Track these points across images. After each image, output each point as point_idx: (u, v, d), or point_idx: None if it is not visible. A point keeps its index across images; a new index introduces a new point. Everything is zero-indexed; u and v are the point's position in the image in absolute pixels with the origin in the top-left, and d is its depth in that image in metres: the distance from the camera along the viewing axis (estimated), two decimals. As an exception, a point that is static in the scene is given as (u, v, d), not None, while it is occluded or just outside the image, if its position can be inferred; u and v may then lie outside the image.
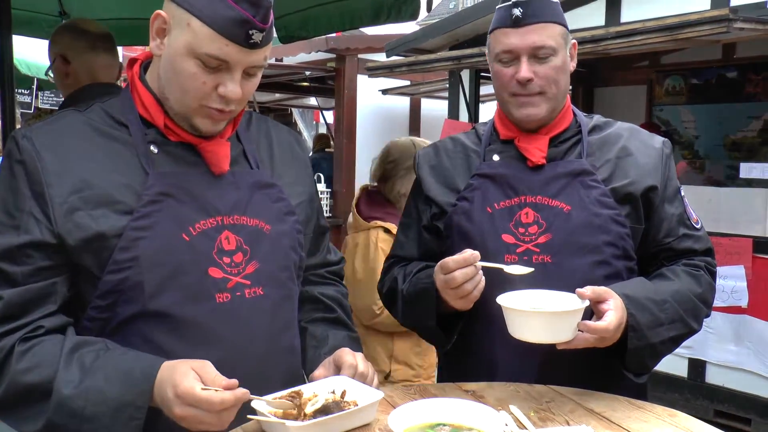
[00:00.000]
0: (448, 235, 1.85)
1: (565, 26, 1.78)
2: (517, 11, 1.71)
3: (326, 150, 9.32)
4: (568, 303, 1.55)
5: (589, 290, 1.55)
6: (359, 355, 1.51)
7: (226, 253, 1.41)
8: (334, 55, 7.82)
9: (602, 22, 5.57)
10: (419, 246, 1.93)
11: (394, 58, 6.79)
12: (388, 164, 2.94)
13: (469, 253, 1.59)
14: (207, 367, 1.24)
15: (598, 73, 7.53)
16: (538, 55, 1.72)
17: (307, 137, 12.67)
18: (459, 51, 5.83)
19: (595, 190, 1.75)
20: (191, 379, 1.21)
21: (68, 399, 1.24)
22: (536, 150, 1.79)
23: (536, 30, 1.71)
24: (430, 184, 1.90)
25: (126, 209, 1.34)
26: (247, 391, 1.23)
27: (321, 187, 7.63)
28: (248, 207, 1.47)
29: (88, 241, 1.31)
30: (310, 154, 9.04)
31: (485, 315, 1.71)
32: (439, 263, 1.65)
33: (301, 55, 7.63)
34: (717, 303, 3.20)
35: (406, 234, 1.97)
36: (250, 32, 1.31)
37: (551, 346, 1.53)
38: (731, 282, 4.41)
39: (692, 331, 1.74)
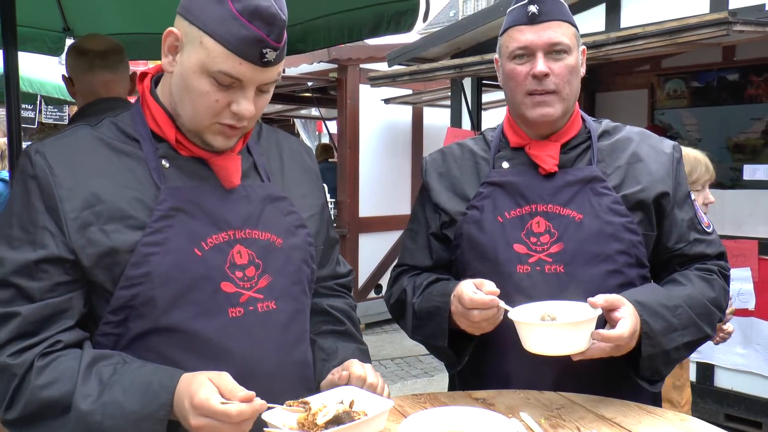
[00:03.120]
0: (458, 244, 1.83)
1: (577, 28, 1.78)
2: (533, 8, 1.71)
3: (330, 160, 9.33)
4: (581, 313, 1.54)
5: (601, 299, 1.54)
6: (368, 366, 1.51)
7: (239, 267, 1.41)
8: (336, 66, 7.84)
9: (602, 27, 5.57)
10: (430, 254, 1.91)
11: (395, 67, 6.80)
12: None
13: (489, 297, 1.56)
14: (224, 378, 1.23)
15: (600, 78, 7.54)
16: (554, 51, 1.71)
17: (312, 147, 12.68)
18: (460, 59, 5.84)
19: (607, 198, 1.74)
20: (207, 390, 1.20)
21: (87, 414, 1.23)
22: (548, 157, 1.77)
23: (552, 27, 1.71)
24: (439, 192, 1.88)
25: (138, 224, 1.34)
26: (265, 402, 1.22)
27: (325, 197, 7.61)
28: (260, 220, 1.46)
29: (100, 256, 1.32)
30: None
31: (498, 327, 1.70)
32: (458, 292, 1.62)
33: (303, 66, 7.65)
34: (724, 306, 3.22)
35: (415, 241, 1.95)
36: (264, 51, 1.31)
37: (566, 360, 1.52)
38: (738, 284, 4.40)
39: (706, 336, 1.73)
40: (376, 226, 7.99)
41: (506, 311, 1.56)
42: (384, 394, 1.47)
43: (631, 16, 5.43)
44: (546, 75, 1.70)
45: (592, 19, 5.66)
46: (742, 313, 4.42)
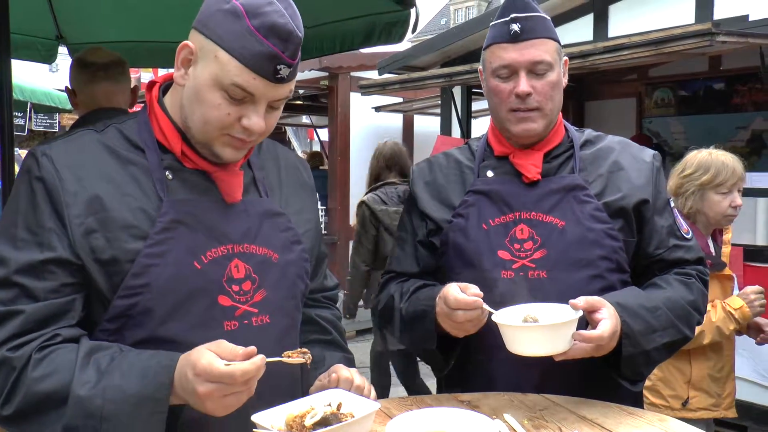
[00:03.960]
0: (444, 251, 1.87)
1: (559, 42, 1.81)
2: (515, 26, 1.72)
3: (320, 168, 9.36)
4: (562, 315, 1.58)
5: (581, 301, 1.59)
6: (354, 370, 1.54)
7: (236, 281, 1.42)
8: (327, 74, 7.89)
9: (590, 37, 5.64)
10: (417, 261, 1.94)
11: (386, 75, 6.86)
12: (682, 178, 2.85)
13: (473, 299, 1.59)
14: (222, 344, 1.24)
15: (588, 87, 7.61)
16: (536, 70, 1.74)
17: (301, 155, 12.72)
18: (450, 68, 5.90)
19: (589, 205, 1.78)
20: (209, 356, 1.21)
21: (85, 399, 1.23)
22: (531, 166, 1.81)
23: (534, 45, 1.73)
24: (426, 201, 1.92)
25: (140, 234, 1.35)
26: (264, 356, 1.24)
27: (316, 204, 7.64)
28: (258, 236, 1.48)
29: (102, 263, 1.33)
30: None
31: (482, 330, 1.74)
32: (443, 293, 1.66)
33: (294, 74, 7.70)
34: (709, 312, 3.25)
35: (402, 249, 1.98)
36: (278, 67, 1.32)
37: (549, 360, 1.56)
38: (724, 291, 4.45)
39: (685, 338, 1.77)
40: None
41: (490, 314, 1.60)
42: (371, 396, 1.50)
43: (618, 26, 5.51)
44: (529, 94, 1.74)
45: (581, 29, 5.74)
46: (727, 319, 4.47)
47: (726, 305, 2.71)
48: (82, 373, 1.26)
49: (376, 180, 4.65)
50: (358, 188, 8.06)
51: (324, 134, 9.29)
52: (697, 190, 2.77)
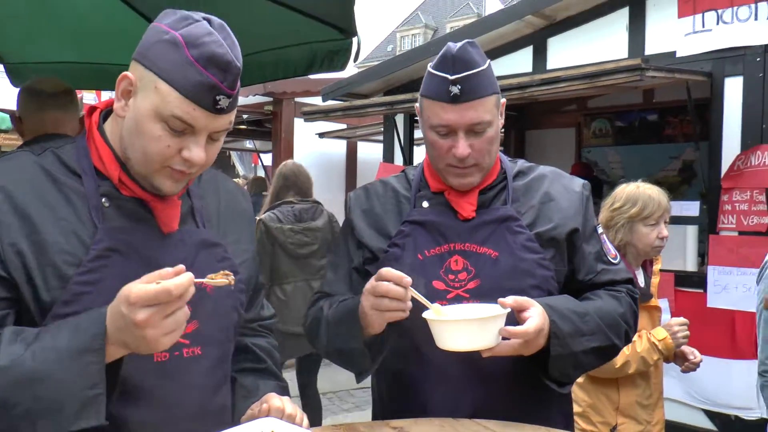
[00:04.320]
0: None
1: (498, 92, 1.81)
2: (455, 89, 1.70)
3: (263, 193, 9.30)
4: (489, 310, 1.63)
5: (510, 299, 1.63)
6: (286, 398, 1.54)
7: None
8: (271, 99, 7.89)
9: (530, 68, 5.80)
10: (350, 286, 1.95)
11: (329, 102, 6.90)
12: (612, 211, 2.92)
13: (399, 273, 1.59)
14: (144, 277, 1.21)
15: (530, 117, 7.80)
16: (475, 129, 1.75)
17: (241, 181, 12.65)
18: (393, 96, 5.98)
19: (521, 236, 1.81)
20: (139, 284, 1.18)
21: (14, 366, 1.19)
22: (467, 204, 1.84)
23: (474, 106, 1.72)
24: (362, 229, 1.93)
25: (73, 261, 1.33)
26: (191, 273, 1.22)
27: (259, 229, 7.58)
28: (193, 266, 1.43)
29: (32, 286, 1.30)
30: (248, 196, 8.97)
31: (419, 356, 1.76)
32: (367, 286, 1.65)
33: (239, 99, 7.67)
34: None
35: (336, 273, 1.99)
36: (218, 98, 1.32)
37: (483, 385, 1.61)
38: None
39: (614, 346, 1.82)
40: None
41: (422, 314, 1.62)
42: (303, 425, 1.51)
43: (556, 59, 5.67)
44: (467, 154, 1.76)
45: (521, 60, 5.89)
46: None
47: (651, 336, 2.79)
48: (8, 348, 1.21)
49: (276, 199, 4.76)
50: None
51: (268, 159, 9.27)
52: (626, 222, 2.84)
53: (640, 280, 2.93)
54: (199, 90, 1.30)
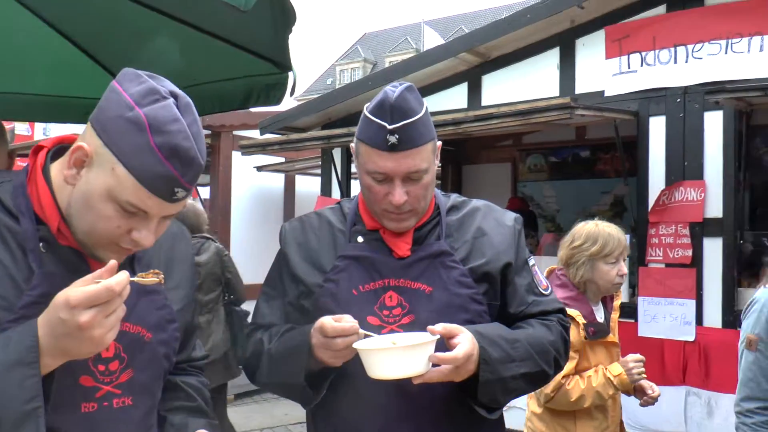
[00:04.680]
0: (315, 315, 1.84)
1: (435, 137, 1.82)
2: (393, 138, 1.70)
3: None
4: (418, 337, 1.64)
5: (439, 326, 1.64)
6: None
7: (102, 361, 1.37)
8: (209, 132, 7.82)
9: (465, 104, 5.91)
10: (284, 320, 1.93)
11: (267, 135, 6.89)
12: (572, 249, 2.95)
13: (349, 325, 1.62)
14: (78, 281, 1.19)
15: (467, 152, 7.91)
16: (411, 177, 1.76)
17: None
18: (330, 131, 6.01)
19: (455, 271, 1.82)
20: (76, 288, 1.16)
21: None
22: (402, 244, 1.85)
23: (411, 155, 1.72)
24: (297, 263, 1.92)
25: (5, 305, 1.28)
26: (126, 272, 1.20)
27: (195, 264, 7.45)
28: (132, 314, 1.42)
29: None
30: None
31: (352, 387, 1.75)
32: (318, 325, 1.66)
33: (175, 132, 7.57)
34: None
35: (270, 305, 1.97)
36: (176, 189, 1.29)
37: (421, 418, 1.60)
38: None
39: (544, 372, 1.83)
40: (247, 294, 7.90)
41: (353, 344, 1.62)
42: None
43: (490, 96, 5.80)
44: (404, 201, 1.77)
45: (457, 97, 6.00)
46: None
47: (607, 371, 2.83)
48: None
49: None
50: (238, 249, 7.96)
51: (206, 193, 9.16)
52: (587, 260, 2.90)
53: (600, 316, 2.98)
54: (157, 180, 1.26)
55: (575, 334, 2.78)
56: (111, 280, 1.17)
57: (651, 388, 2.96)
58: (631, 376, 2.82)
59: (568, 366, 2.81)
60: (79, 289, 1.16)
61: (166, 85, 1.32)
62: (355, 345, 1.61)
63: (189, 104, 1.33)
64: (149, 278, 1.31)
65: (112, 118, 1.28)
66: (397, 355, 1.58)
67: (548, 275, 3.11)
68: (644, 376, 2.87)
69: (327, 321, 1.65)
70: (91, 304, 1.15)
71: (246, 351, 1.95)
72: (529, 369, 1.77)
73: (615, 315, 3.07)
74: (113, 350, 1.38)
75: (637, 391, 2.98)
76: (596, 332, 2.85)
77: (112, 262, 1.19)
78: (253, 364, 1.91)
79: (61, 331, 1.17)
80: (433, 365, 1.62)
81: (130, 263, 1.49)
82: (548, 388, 2.79)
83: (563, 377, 2.79)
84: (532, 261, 2.00)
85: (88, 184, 1.29)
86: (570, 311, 2.83)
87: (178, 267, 1.62)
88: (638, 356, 2.89)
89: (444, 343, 1.65)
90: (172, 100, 1.30)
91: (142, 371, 1.44)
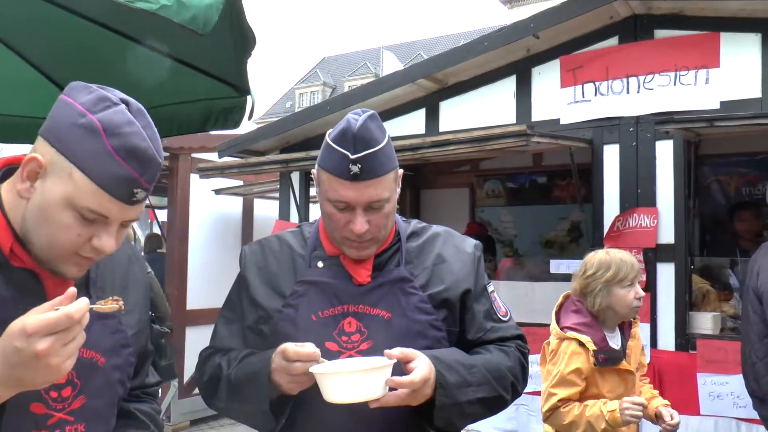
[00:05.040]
0: (273, 340, 1.84)
1: (397, 166, 1.83)
2: (355, 168, 1.70)
3: (158, 251, 9.05)
4: (374, 361, 1.64)
5: (396, 351, 1.65)
6: None
7: (55, 387, 1.34)
8: (167, 154, 7.74)
9: (423, 130, 5.96)
10: (243, 344, 1.92)
11: (225, 159, 6.85)
12: (586, 278, 2.96)
13: (311, 350, 1.62)
14: (33, 310, 1.16)
15: (425, 177, 7.97)
16: (373, 206, 1.76)
17: (141, 237, 12.27)
18: (288, 154, 6.00)
19: (414, 297, 1.84)
20: (32, 316, 1.13)
21: None
22: (362, 270, 1.85)
23: (373, 184, 1.73)
24: (257, 287, 1.91)
25: None
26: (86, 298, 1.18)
27: (150, 288, 7.34)
28: (87, 338, 1.37)
29: None
30: (142, 253, 8.70)
31: (309, 412, 1.75)
32: (280, 350, 1.66)
33: (132, 154, 7.48)
34: (536, 387, 3.42)
35: (229, 329, 1.95)
36: (135, 191, 1.29)
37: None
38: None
39: (501, 398, 1.84)
40: (205, 319, 7.78)
41: (309, 368, 1.62)
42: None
43: (448, 122, 5.86)
44: (365, 230, 1.78)
45: (415, 122, 6.05)
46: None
47: (602, 405, 2.81)
48: None
49: None
50: (196, 272, 7.86)
51: (164, 216, 9.04)
52: (603, 287, 2.94)
53: (616, 343, 2.99)
54: (116, 182, 1.26)
55: (584, 361, 2.82)
56: (71, 306, 1.14)
57: (670, 415, 2.96)
58: (623, 416, 2.77)
59: (570, 391, 2.84)
60: (37, 316, 1.13)
61: (117, 93, 1.32)
62: (311, 369, 1.61)
63: (141, 109, 1.33)
64: (109, 305, 1.29)
65: (65, 126, 1.27)
66: (354, 379, 1.58)
67: (564, 301, 3.16)
68: (638, 418, 2.80)
69: (290, 345, 1.65)
70: (49, 331, 1.12)
71: (204, 374, 1.92)
72: (486, 394, 1.79)
73: (632, 342, 3.08)
74: (66, 376, 1.35)
75: (658, 418, 2.98)
76: (607, 359, 2.87)
77: (72, 290, 1.17)
78: (211, 389, 1.88)
79: (16, 360, 1.13)
80: (390, 389, 1.62)
81: (86, 287, 1.47)
82: (544, 407, 2.85)
83: (559, 400, 2.82)
84: (491, 287, 2.02)
85: (44, 195, 1.27)
86: (581, 337, 2.89)
87: (133, 291, 1.60)
88: (638, 398, 2.85)
89: (401, 368, 1.65)
90: (123, 106, 1.30)
91: (96, 397, 1.42)
